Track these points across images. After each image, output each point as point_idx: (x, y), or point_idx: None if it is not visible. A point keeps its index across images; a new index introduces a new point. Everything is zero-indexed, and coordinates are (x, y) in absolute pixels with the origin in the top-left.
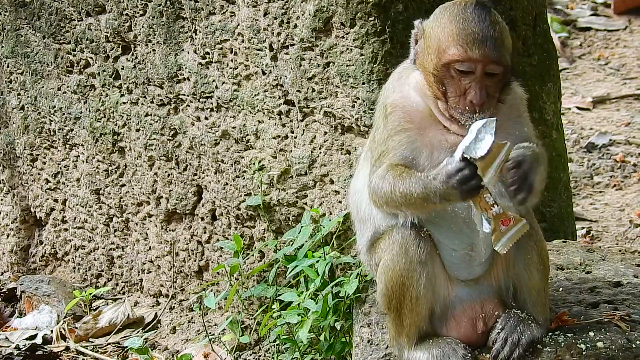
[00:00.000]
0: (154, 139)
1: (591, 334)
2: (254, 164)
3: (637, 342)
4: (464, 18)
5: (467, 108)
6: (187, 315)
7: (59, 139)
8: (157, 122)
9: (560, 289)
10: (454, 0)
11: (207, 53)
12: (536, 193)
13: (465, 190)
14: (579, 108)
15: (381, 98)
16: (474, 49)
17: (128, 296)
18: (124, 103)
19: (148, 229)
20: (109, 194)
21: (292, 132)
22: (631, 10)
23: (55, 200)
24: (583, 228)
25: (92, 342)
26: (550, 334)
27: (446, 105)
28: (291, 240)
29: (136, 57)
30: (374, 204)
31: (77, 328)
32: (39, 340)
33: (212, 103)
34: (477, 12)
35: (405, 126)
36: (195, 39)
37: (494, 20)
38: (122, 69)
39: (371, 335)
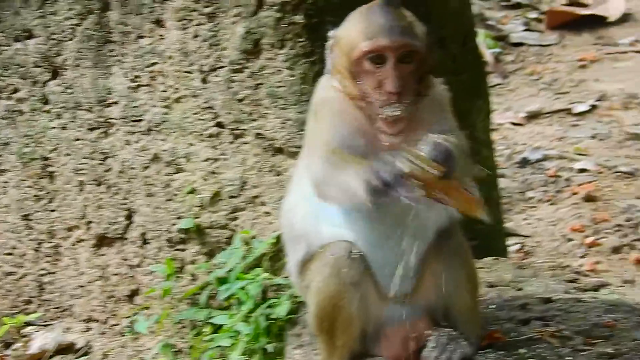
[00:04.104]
0: (84, 163)
1: (522, 350)
2: (185, 186)
3: (568, 358)
4: (371, 13)
5: (385, 100)
6: (118, 340)
7: None
8: (87, 146)
9: (492, 306)
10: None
11: (137, 76)
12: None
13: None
14: (512, 123)
15: (310, 106)
16: (383, 37)
17: (59, 322)
18: (53, 128)
19: (79, 253)
20: (39, 219)
21: (223, 155)
22: (563, 25)
23: None
24: (517, 243)
25: None
26: (481, 351)
27: (367, 105)
28: (223, 263)
29: (65, 82)
30: (319, 194)
31: (7, 355)
32: None
33: (142, 126)
34: (384, 8)
35: (337, 114)
36: (125, 62)
37: (401, 13)
38: (51, 93)
39: (303, 357)
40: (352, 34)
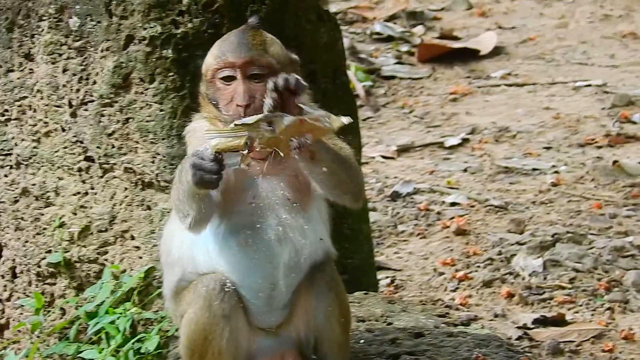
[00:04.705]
0: None
1: None
2: (54, 220)
3: None
4: (228, 36)
5: (235, 113)
6: None
7: None
8: None
9: (362, 341)
10: None
11: (6, 110)
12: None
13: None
14: (383, 157)
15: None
16: (230, 54)
17: None
18: None
19: None
20: None
21: (93, 189)
22: (435, 59)
23: None
24: (387, 277)
25: None
26: None
27: (224, 124)
28: (92, 297)
29: None
30: (175, 209)
31: None
32: None
33: (11, 160)
34: (241, 31)
35: (201, 142)
36: None
37: (256, 33)
38: None
39: None
40: (208, 57)
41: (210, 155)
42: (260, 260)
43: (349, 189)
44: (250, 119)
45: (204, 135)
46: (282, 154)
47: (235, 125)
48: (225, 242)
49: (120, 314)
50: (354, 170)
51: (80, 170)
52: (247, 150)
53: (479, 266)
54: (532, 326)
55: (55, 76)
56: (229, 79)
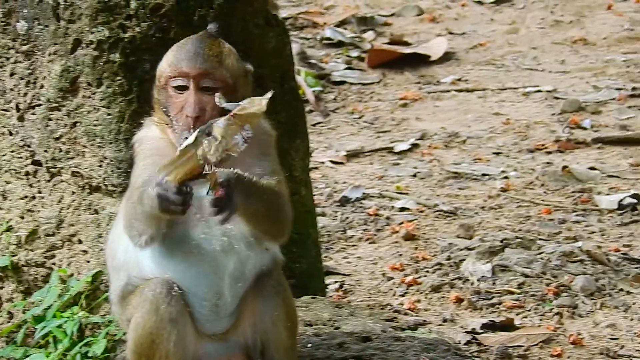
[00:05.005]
0: None
1: None
2: (1, 224)
3: None
4: (184, 44)
5: (184, 124)
6: None
7: None
8: None
9: (309, 345)
10: None
11: None
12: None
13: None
14: (332, 162)
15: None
16: (184, 63)
17: None
18: None
19: None
20: None
21: (40, 193)
22: (385, 64)
23: None
24: (336, 282)
25: None
26: None
27: (173, 133)
28: (40, 301)
29: None
30: (127, 232)
31: None
32: None
33: None
34: (198, 39)
35: (151, 153)
36: None
37: (213, 43)
38: None
39: None
40: (162, 63)
41: (173, 188)
42: (205, 270)
43: (267, 232)
44: (190, 139)
45: (157, 173)
46: (234, 154)
47: (181, 150)
48: (170, 252)
49: (68, 317)
50: (271, 215)
51: (27, 174)
52: (205, 167)
53: (427, 271)
54: (481, 331)
55: (3, 80)
56: (181, 88)
